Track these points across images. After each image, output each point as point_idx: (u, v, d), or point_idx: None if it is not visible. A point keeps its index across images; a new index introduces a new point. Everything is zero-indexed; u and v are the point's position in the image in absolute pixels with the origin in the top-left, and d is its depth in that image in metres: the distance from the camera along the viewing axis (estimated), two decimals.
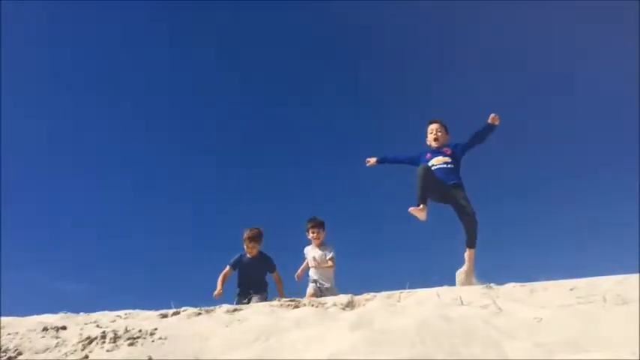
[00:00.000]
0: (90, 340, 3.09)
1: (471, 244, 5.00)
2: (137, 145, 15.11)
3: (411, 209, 4.86)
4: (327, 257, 6.19)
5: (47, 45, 14.49)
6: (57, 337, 3.19)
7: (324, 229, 6.36)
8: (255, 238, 6.15)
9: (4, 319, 3.53)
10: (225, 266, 6.21)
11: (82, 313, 3.84)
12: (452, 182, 5.12)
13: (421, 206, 4.83)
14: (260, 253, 6.22)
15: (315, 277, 6.19)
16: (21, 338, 3.16)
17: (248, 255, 6.21)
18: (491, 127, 5.33)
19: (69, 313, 3.81)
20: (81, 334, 3.19)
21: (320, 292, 5.95)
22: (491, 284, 3.58)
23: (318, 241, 6.34)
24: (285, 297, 5.40)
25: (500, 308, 2.97)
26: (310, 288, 6.13)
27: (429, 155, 5.36)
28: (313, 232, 6.32)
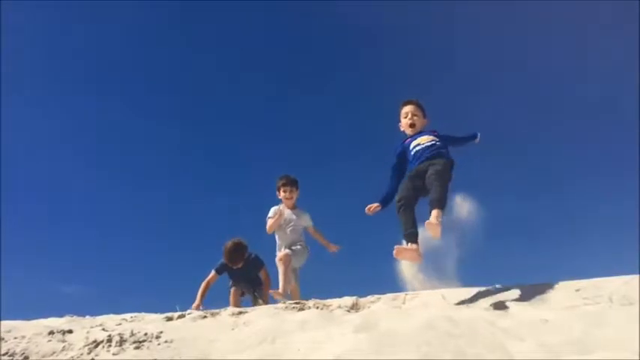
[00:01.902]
0: (96, 344, 3.10)
1: (436, 201, 3.62)
2: (140, 145, 15.07)
3: (398, 252, 3.61)
4: (309, 224, 5.55)
5: (50, 45, 14.49)
6: (63, 341, 3.20)
7: (297, 189, 5.58)
8: (235, 258, 5.36)
9: (10, 322, 3.55)
10: (210, 271, 5.51)
11: (87, 317, 3.85)
12: (434, 157, 4.01)
13: (411, 245, 3.62)
14: (246, 260, 5.47)
15: (291, 239, 5.37)
16: (27, 342, 3.17)
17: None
18: (471, 142, 4.51)
19: (74, 317, 3.82)
20: (87, 338, 3.20)
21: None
22: (497, 285, 3.57)
23: (290, 202, 5.54)
24: (263, 300, 5.14)
25: (505, 309, 2.97)
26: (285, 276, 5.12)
27: (408, 140, 4.31)
28: (285, 191, 5.51)
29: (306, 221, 5.57)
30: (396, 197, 3.93)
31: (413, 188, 3.89)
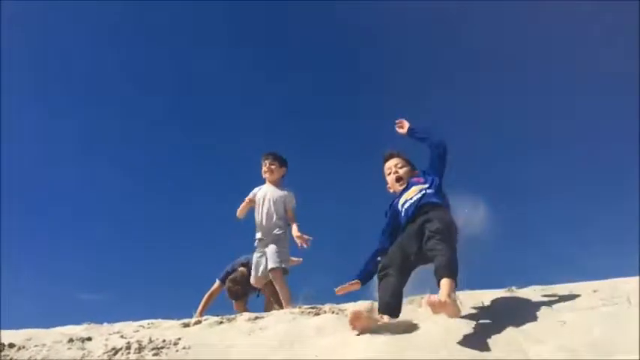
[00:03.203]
0: (115, 351, 3.14)
1: (443, 267, 2.80)
2: (161, 150, 15.04)
3: (353, 318, 2.78)
4: (290, 204, 4.76)
5: (65, 45, 14.54)
6: (83, 349, 3.24)
7: (281, 166, 4.91)
8: (238, 297, 4.99)
9: (29, 330, 3.60)
10: (215, 281, 5.15)
11: (105, 324, 3.89)
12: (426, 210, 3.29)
13: (382, 316, 2.88)
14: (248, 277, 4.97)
15: (267, 225, 4.65)
16: (48, 350, 3.22)
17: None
18: (422, 140, 3.70)
19: (93, 324, 3.86)
20: (106, 345, 3.24)
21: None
22: (513, 287, 3.57)
23: (272, 177, 4.87)
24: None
25: (522, 312, 2.96)
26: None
27: (396, 200, 3.61)
28: (264, 165, 4.91)
29: (288, 199, 4.75)
30: (379, 265, 3.20)
31: (402, 255, 3.15)
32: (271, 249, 4.57)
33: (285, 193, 4.80)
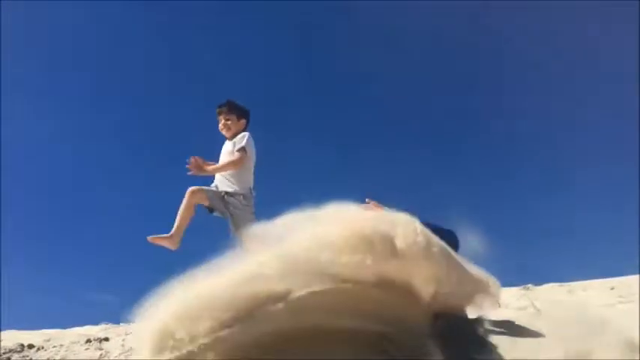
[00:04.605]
0: (132, 351, 3.16)
1: None
2: (168, 148, 15.05)
3: None
4: (236, 148, 3.92)
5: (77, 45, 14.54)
6: (100, 349, 3.28)
7: (238, 118, 4.09)
8: None
9: (48, 331, 3.64)
10: None
11: (121, 324, 3.92)
12: None
13: None
14: None
15: (217, 183, 3.93)
16: (66, 350, 3.25)
17: None
18: None
19: (109, 324, 3.90)
20: (123, 345, 3.27)
21: (217, 201, 3.80)
22: (529, 285, 3.55)
23: (230, 133, 4.04)
24: None
25: (539, 310, 2.94)
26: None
27: None
28: (220, 122, 4.08)
29: (237, 141, 3.96)
30: None
31: None
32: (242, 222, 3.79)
33: (235, 139, 4.00)
